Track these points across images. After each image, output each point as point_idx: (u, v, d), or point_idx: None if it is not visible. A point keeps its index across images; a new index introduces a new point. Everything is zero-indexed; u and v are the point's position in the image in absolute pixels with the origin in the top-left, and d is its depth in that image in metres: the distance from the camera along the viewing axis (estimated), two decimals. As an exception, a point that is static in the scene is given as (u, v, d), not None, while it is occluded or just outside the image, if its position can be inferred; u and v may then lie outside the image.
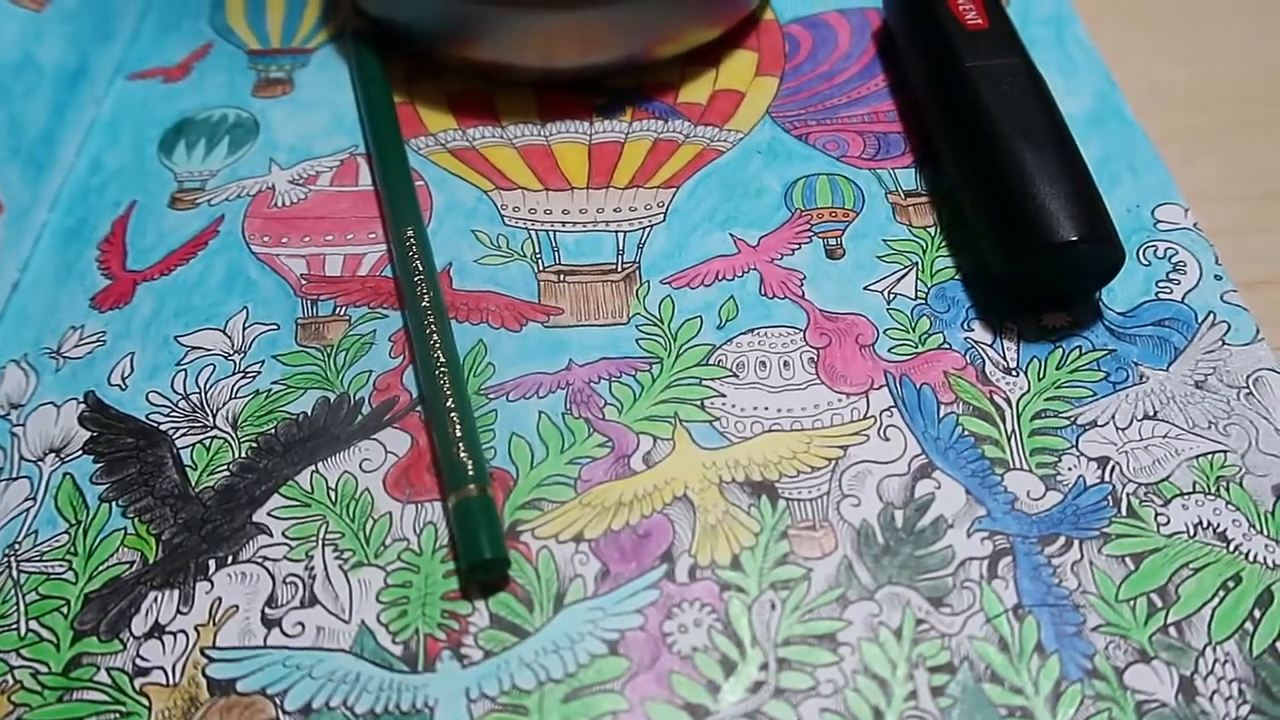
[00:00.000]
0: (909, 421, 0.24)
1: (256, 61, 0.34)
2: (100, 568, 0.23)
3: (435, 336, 0.25)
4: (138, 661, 0.21)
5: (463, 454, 0.23)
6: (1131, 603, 0.21)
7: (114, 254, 0.29)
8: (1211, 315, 0.26)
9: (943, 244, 0.28)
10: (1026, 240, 0.25)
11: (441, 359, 0.25)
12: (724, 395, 0.25)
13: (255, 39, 0.35)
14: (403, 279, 0.27)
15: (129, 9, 0.35)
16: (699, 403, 0.25)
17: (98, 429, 0.25)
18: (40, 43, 0.31)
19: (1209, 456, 0.23)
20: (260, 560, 0.23)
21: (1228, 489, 0.23)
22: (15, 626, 0.22)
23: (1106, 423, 0.24)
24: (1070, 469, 0.23)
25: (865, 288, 0.27)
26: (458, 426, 0.24)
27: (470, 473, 0.23)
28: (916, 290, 0.27)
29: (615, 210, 0.29)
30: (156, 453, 0.24)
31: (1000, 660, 0.21)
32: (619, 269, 0.28)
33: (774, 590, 0.22)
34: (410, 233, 0.27)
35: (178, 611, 0.22)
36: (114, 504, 0.24)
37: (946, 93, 0.28)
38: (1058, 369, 0.25)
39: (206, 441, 0.25)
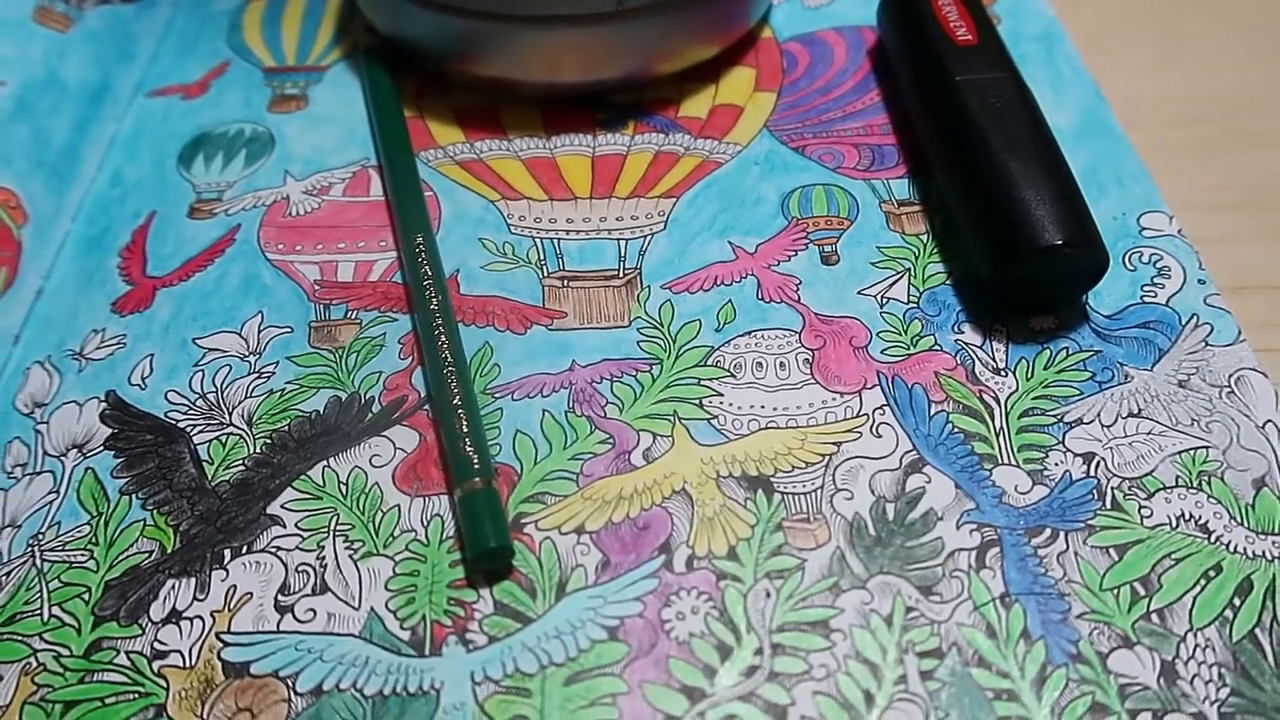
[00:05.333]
0: (900, 419, 0.25)
1: (272, 79, 0.35)
2: (120, 557, 0.24)
3: (443, 338, 0.26)
4: (156, 645, 0.22)
5: (469, 449, 0.24)
6: (1115, 591, 0.22)
7: (134, 261, 0.30)
8: (1195, 318, 0.27)
9: (934, 250, 0.29)
10: (1014, 245, 0.25)
11: (449, 359, 0.26)
12: (722, 394, 0.26)
13: (271, 57, 0.36)
14: (412, 284, 0.28)
15: (150, 31, 0.37)
16: (698, 401, 0.26)
17: (118, 426, 0.26)
18: (65, 61, 0.33)
19: (1191, 452, 0.24)
20: (274, 550, 0.24)
21: (1209, 483, 0.24)
22: (39, 612, 0.23)
23: (1092, 420, 0.25)
24: (1057, 464, 0.24)
25: (859, 292, 0.28)
26: (464, 423, 0.24)
27: (476, 467, 0.24)
28: (909, 295, 0.28)
29: (617, 219, 0.30)
30: (174, 448, 0.25)
31: (988, 646, 0.22)
32: (621, 275, 0.29)
33: (769, 579, 0.23)
34: (420, 240, 0.28)
35: (194, 598, 0.23)
36: (134, 497, 0.25)
37: (937, 106, 0.29)
38: (1045, 369, 0.26)
39: (223, 438, 0.26)
